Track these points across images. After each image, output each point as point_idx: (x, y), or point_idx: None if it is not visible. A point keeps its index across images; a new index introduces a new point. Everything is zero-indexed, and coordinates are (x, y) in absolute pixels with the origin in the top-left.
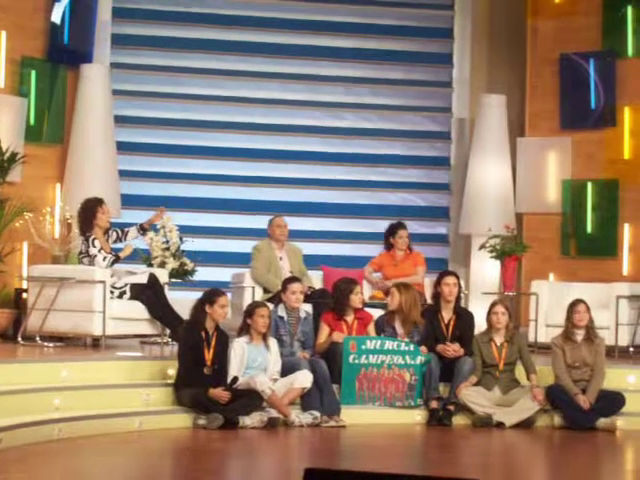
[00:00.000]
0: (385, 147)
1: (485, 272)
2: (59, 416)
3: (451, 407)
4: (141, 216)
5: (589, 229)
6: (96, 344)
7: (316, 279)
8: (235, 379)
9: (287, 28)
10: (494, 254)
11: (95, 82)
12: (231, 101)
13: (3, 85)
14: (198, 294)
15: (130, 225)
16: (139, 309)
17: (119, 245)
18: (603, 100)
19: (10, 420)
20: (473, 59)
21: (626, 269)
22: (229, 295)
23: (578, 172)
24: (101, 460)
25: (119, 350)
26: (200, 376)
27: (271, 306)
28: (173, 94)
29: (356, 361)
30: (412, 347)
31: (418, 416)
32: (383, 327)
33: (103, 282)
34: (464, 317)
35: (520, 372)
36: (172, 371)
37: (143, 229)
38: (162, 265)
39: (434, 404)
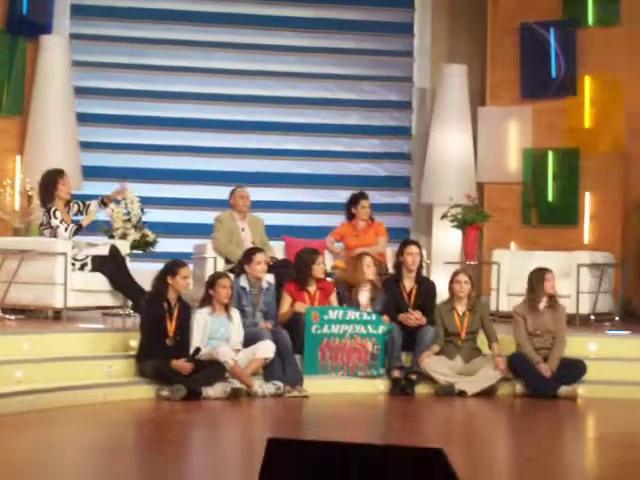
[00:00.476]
0: (346, 117)
1: (447, 241)
2: (21, 389)
3: (413, 376)
4: (102, 188)
5: (550, 198)
6: (58, 316)
7: (278, 250)
8: (197, 350)
9: None
10: (455, 223)
11: (55, 53)
12: (191, 72)
13: None
14: (160, 265)
15: (91, 197)
16: (101, 281)
17: (80, 218)
18: (564, 69)
19: None
20: (434, 29)
21: (587, 238)
22: (191, 266)
23: (539, 141)
24: (64, 432)
25: (81, 322)
26: (162, 347)
27: (233, 277)
28: (133, 65)
29: (318, 331)
30: (374, 317)
31: (381, 385)
32: (345, 297)
33: (64, 254)
34: (426, 286)
35: (482, 341)
36: (134, 343)
37: (104, 203)
38: (123, 237)
39: (396, 373)
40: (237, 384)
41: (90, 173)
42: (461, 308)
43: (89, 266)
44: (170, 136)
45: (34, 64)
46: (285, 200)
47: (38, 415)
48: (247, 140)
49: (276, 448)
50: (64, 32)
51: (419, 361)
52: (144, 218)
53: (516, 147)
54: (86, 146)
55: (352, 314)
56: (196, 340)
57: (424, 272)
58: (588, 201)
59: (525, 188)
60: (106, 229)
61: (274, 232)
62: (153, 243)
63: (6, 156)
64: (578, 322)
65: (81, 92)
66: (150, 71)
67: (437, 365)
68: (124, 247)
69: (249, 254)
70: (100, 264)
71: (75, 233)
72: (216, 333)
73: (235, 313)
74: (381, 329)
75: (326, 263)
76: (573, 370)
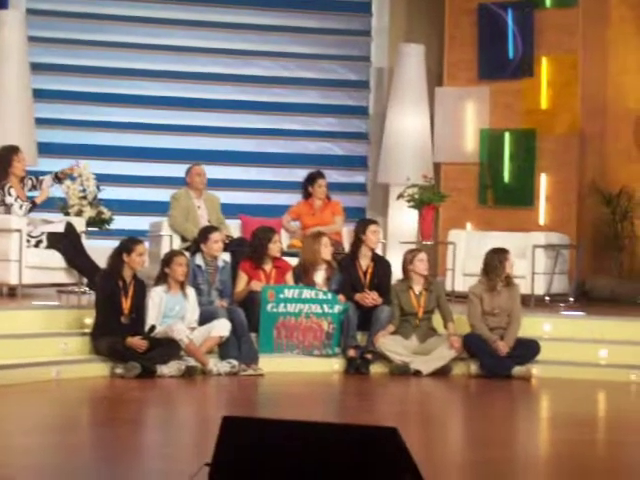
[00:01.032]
0: (303, 96)
1: (402, 221)
2: None
3: (369, 356)
4: (58, 164)
5: (506, 179)
6: (12, 293)
7: (234, 228)
8: (153, 328)
9: None
10: (412, 203)
11: (11, 28)
12: (147, 49)
13: None
14: (115, 243)
15: (46, 174)
16: (56, 258)
17: (34, 193)
18: (521, 50)
19: None
20: (392, 8)
21: (542, 219)
22: (147, 244)
23: (496, 122)
24: (18, 409)
25: (36, 299)
26: (117, 325)
27: (189, 255)
28: (90, 41)
29: (274, 310)
30: (330, 296)
31: (336, 365)
32: (301, 276)
33: (19, 231)
34: (382, 265)
35: (437, 321)
36: (89, 320)
37: (58, 178)
38: (79, 214)
39: (352, 353)
40: (192, 362)
41: (45, 149)
42: (417, 288)
43: (44, 243)
44: (126, 113)
45: None
46: (242, 178)
47: None
48: (204, 118)
49: (231, 426)
50: (20, 7)
51: (374, 340)
52: (100, 195)
53: (473, 128)
54: (42, 122)
55: (308, 293)
56: (151, 318)
57: (380, 251)
58: (544, 182)
59: (481, 169)
60: (61, 206)
61: (230, 210)
62: (109, 220)
63: None
64: (533, 303)
65: (37, 68)
66: (107, 48)
67: (392, 344)
68: (79, 224)
69: (205, 232)
70: (55, 241)
71: (30, 211)
72: (171, 311)
73: (190, 291)
74: (337, 308)
75: (282, 242)
76: (527, 350)
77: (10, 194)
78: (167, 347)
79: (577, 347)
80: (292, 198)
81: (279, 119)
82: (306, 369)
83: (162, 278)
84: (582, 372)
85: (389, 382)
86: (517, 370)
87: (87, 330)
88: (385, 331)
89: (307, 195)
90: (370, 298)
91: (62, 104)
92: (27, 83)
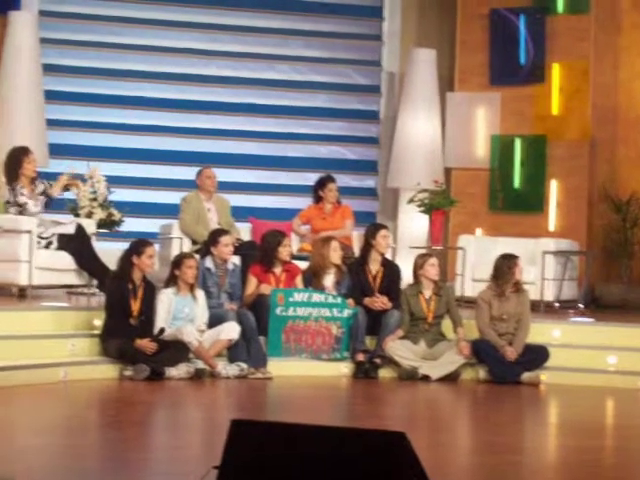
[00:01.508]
0: (315, 100)
1: (412, 226)
2: None
3: (377, 360)
4: (68, 166)
5: (516, 184)
6: (22, 294)
7: (244, 231)
8: (162, 330)
9: None
10: (422, 208)
11: (23, 30)
12: (161, 51)
13: None
14: (125, 245)
15: (57, 175)
16: (66, 259)
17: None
18: (532, 56)
19: None
20: (404, 13)
21: (552, 225)
22: (157, 246)
23: (506, 128)
24: (26, 410)
25: (45, 300)
26: (127, 327)
27: (198, 258)
28: (102, 43)
29: (283, 313)
30: (339, 300)
31: (345, 369)
32: (310, 280)
33: (30, 232)
34: (391, 270)
35: (446, 326)
36: (98, 322)
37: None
38: (89, 215)
39: (360, 357)
40: (201, 365)
41: (56, 151)
42: (427, 292)
43: (54, 244)
44: (138, 115)
45: (2, 40)
46: (252, 182)
47: (0, 392)
48: (215, 121)
49: (239, 429)
50: (33, 9)
51: (383, 345)
52: (110, 197)
53: (484, 133)
54: (53, 124)
55: (317, 297)
56: (160, 320)
57: (389, 256)
58: (554, 188)
59: (492, 174)
60: (72, 207)
61: (241, 213)
62: (119, 222)
63: None
64: (542, 309)
65: (49, 69)
66: (119, 50)
67: (401, 349)
68: (90, 226)
69: (215, 236)
70: (66, 242)
71: (47, 206)
72: (180, 313)
73: (200, 294)
74: (346, 312)
75: (292, 245)
76: (536, 356)
77: (22, 193)
78: (176, 349)
79: (586, 353)
80: (302, 202)
81: (290, 123)
82: (315, 373)
83: (172, 280)
84: (591, 379)
85: (397, 387)
86: (526, 376)
87: (96, 332)
88: (394, 336)
89: (317, 199)
90: (379, 302)
91: (73, 105)
92: (39, 84)
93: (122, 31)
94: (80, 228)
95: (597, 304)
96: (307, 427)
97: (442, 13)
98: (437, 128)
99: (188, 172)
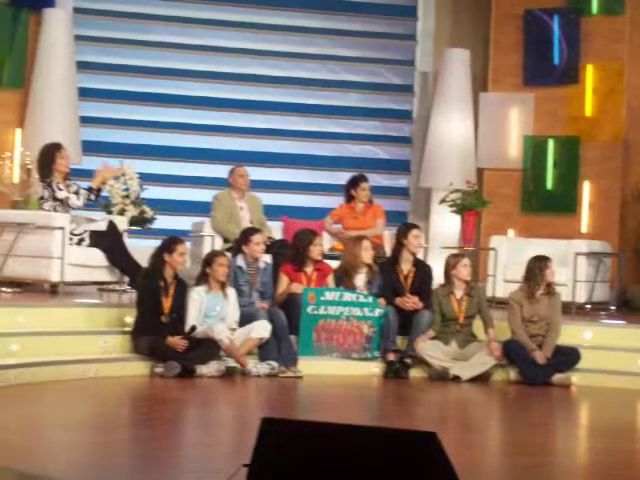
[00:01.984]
0: (348, 99)
1: (444, 226)
2: (16, 362)
3: (408, 360)
4: (102, 162)
5: (549, 186)
6: (54, 290)
7: (276, 230)
8: (193, 328)
9: None
10: (454, 208)
11: (57, 27)
12: (194, 49)
13: None
14: (157, 242)
15: (90, 172)
16: (98, 256)
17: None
18: (566, 57)
19: None
20: (438, 12)
21: (585, 226)
22: (188, 244)
23: (540, 128)
24: (57, 406)
25: (77, 297)
26: (158, 324)
27: (230, 256)
28: (136, 41)
29: (314, 312)
30: (371, 299)
31: (375, 368)
32: (342, 279)
33: (62, 228)
34: (423, 270)
35: (477, 327)
36: (130, 319)
37: (93, 190)
38: (122, 213)
39: (391, 357)
40: (231, 363)
41: (90, 148)
42: (459, 293)
43: (87, 241)
44: (171, 113)
45: (37, 37)
46: (285, 180)
47: (31, 389)
48: (248, 119)
49: (269, 427)
50: (67, 6)
51: (414, 345)
52: (143, 194)
53: (517, 134)
54: (86, 121)
55: (349, 296)
56: (192, 318)
57: (421, 256)
58: (587, 190)
59: (525, 175)
60: (104, 204)
61: (273, 212)
62: (151, 220)
63: (6, 129)
64: (574, 311)
65: (83, 67)
66: (153, 47)
67: (432, 349)
68: (122, 223)
69: (247, 234)
70: (98, 239)
71: (89, 198)
72: (212, 311)
73: (231, 292)
74: (377, 312)
75: (324, 244)
76: (567, 358)
77: (60, 188)
78: (207, 347)
79: (617, 356)
80: (335, 201)
81: (323, 121)
82: (345, 372)
83: (203, 278)
84: (622, 381)
85: (428, 387)
86: (557, 378)
87: (127, 329)
88: (425, 336)
89: (349, 198)
90: (411, 302)
91: (107, 103)
92: (73, 81)
93: (156, 29)
94: (112, 225)
95: (629, 306)
96: (337, 426)
97: (476, 13)
98: (470, 128)
99: (221, 170)
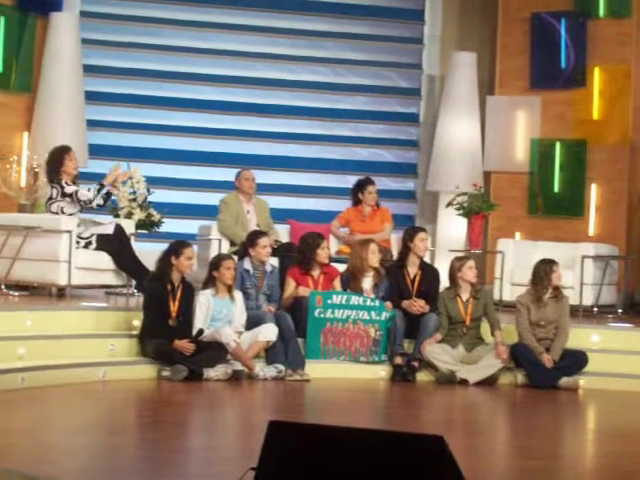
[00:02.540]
0: (355, 102)
1: (451, 229)
2: (23, 365)
3: (415, 363)
4: (108, 166)
5: (556, 189)
6: (61, 294)
7: (282, 233)
8: (200, 331)
9: None
10: (461, 212)
11: (64, 30)
12: (200, 53)
13: None
14: (164, 246)
15: (96, 176)
16: (105, 259)
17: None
18: (573, 60)
19: None
20: (445, 16)
21: (592, 229)
22: (195, 247)
23: (547, 132)
24: (65, 409)
25: (84, 300)
26: (165, 328)
27: (236, 259)
28: (142, 44)
29: (321, 315)
30: (377, 303)
31: (382, 371)
32: (348, 282)
33: (69, 232)
34: (430, 273)
35: (484, 330)
36: (137, 322)
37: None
38: (129, 216)
39: (398, 360)
40: (238, 366)
41: (96, 151)
42: (465, 295)
43: (94, 244)
44: (178, 117)
45: (44, 41)
46: (291, 184)
47: (38, 392)
48: (255, 123)
49: (277, 431)
50: (74, 9)
51: (421, 348)
52: (150, 198)
53: (524, 137)
54: (93, 124)
55: (356, 299)
56: (199, 321)
57: (428, 259)
58: (594, 193)
59: (531, 178)
60: (112, 208)
61: (280, 215)
62: (158, 223)
63: (13, 133)
64: (581, 314)
65: (90, 70)
66: (159, 51)
67: (439, 353)
68: (129, 226)
69: (254, 237)
70: (105, 243)
71: (99, 193)
72: (219, 314)
73: (238, 295)
74: (384, 315)
75: (331, 248)
76: (575, 361)
77: (68, 184)
78: (214, 351)
79: (625, 359)
80: (342, 204)
81: (330, 125)
82: (352, 375)
83: (210, 282)
84: (629, 384)
85: (435, 390)
86: (564, 381)
87: (135, 332)
88: (432, 339)
89: (356, 201)
90: (417, 306)
91: (114, 106)
92: (79, 85)
93: (162, 32)
94: (119, 228)
95: (636, 309)
96: (344, 429)
97: (483, 17)
98: (477, 131)
99: (227, 174)
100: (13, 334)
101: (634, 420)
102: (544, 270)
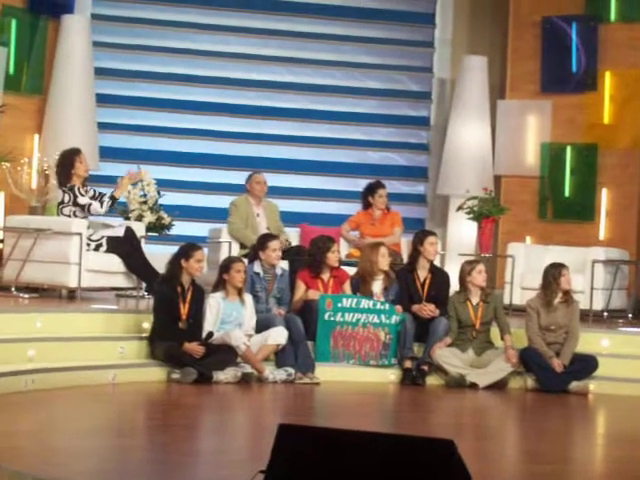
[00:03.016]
0: (366, 105)
1: (461, 233)
2: (33, 367)
3: (425, 367)
4: (119, 169)
5: (567, 193)
6: (72, 296)
7: (293, 236)
8: (210, 334)
9: None
10: (471, 215)
11: (76, 33)
12: (212, 56)
13: None
14: (175, 248)
15: (108, 178)
16: (115, 262)
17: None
18: (584, 64)
19: None
20: (456, 20)
21: (602, 234)
22: (205, 250)
23: (557, 136)
24: (74, 412)
25: (94, 302)
26: (175, 330)
27: (246, 262)
28: (154, 47)
29: (331, 318)
30: (387, 306)
31: (392, 375)
32: (358, 286)
33: (80, 234)
34: (440, 277)
35: (494, 334)
36: (147, 325)
37: (114, 198)
38: (139, 218)
39: (408, 364)
40: (248, 369)
41: (107, 154)
42: (475, 299)
43: (104, 247)
44: (189, 120)
45: (55, 44)
46: (302, 187)
47: (48, 394)
48: (266, 126)
49: (286, 434)
50: (86, 12)
51: (431, 352)
52: (160, 201)
53: (534, 141)
54: (104, 127)
55: (366, 303)
56: (209, 324)
57: (438, 263)
58: (605, 197)
59: (542, 182)
60: (122, 210)
61: (290, 219)
62: (169, 226)
63: (24, 135)
64: (591, 318)
65: (101, 73)
66: (170, 54)
67: (449, 356)
68: (139, 229)
69: (264, 240)
70: (115, 245)
71: (111, 206)
72: (229, 317)
73: (248, 298)
74: (394, 319)
75: (341, 251)
76: (585, 366)
77: (82, 194)
78: (224, 353)
79: (635, 363)
80: (352, 207)
81: (341, 128)
82: (362, 379)
83: (220, 284)
84: (639, 389)
85: (445, 394)
86: (574, 385)
87: (145, 335)
88: (442, 343)
89: (367, 205)
90: (427, 310)
91: (125, 109)
92: (90, 88)
93: (174, 35)
94: (130, 231)
95: None
96: (354, 433)
97: (494, 21)
98: (487, 135)
99: (238, 176)
100: (23, 336)
101: None
102: (552, 274)
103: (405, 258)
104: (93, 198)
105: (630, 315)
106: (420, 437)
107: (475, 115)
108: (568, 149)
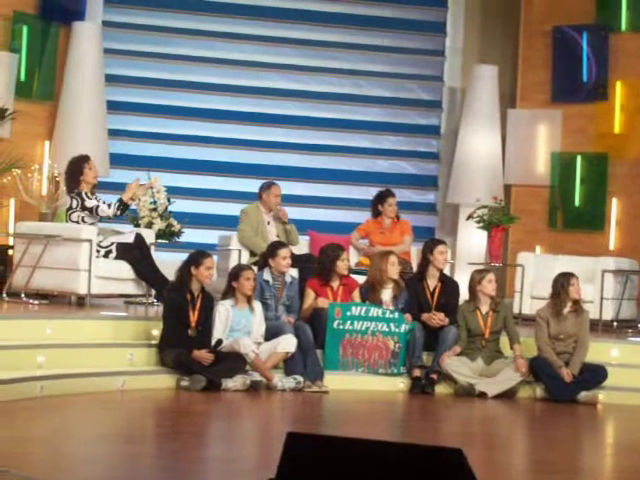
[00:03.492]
0: (376, 114)
1: (471, 242)
2: (42, 373)
3: (434, 376)
4: (129, 176)
5: (577, 202)
6: (81, 303)
7: (303, 244)
8: (219, 341)
9: None
10: (481, 224)
11: (87, 40)
12: (222, 63)
13: None
14: (184, 255)
15: (118, 185)
16: (125, 269)
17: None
18: (595, 74)
19: None
20: (466, 29)
21: (613, 243)
22: (215, 257)
23: (568, 145)
24: (83, 418)
25: (104, 309)
26: (184, 337)
27: (256, 270)
28: (165, 54)
29: (340, 327)
30: (397, 315)
31: (401, 384)
32: (368, 294)
33: (89, 241)
34: (449, 286)
35: (503, 343)
36: (156, 332)
37: (125, 204)
38: (149, 225)
39: (417, 372)
40: (257, 377)
41: (118, 161)
42: (484, 308)
43: (114, 253)
44: (199, 127)
45: (66, 50)
46: (312, 195)
47: (57, 400)
48: (276, 134)
49: (295, 442)
50: (97, 19)
51: (440, 361)
52: (170, 208)
53: (545, 150)
54: (115, 134)
55: (375, 311)
56: (218, 331)
57: (448, 272)
58: (615, 207)
59: (552, 192)
60: (132, 217)
61: (300, 227)
62: (178, 233)
63: (35, 141)
64: (601, 328)
65: (112, 80)
66: (181, 61)
67: (458, 365)
68: (149, 236)
69: (274, 248)
70: (125, 252)
71: (119, 209)
72: (238, 325)
73: (257, 306)
74: (403, 327)
75: (350, 259)
76: (594, 375)
77: (89, 197)
78: (233, 361)
79: None
80: (362, 216)
81: (350, 136)
82: (371, 387)
83: (229, 292)
84: None
85: (454, 403)
86: (583, 395)
87: (154, 342)
88: (451, 352)
89: (376, 213)
90: (437, 319)
91: (135, 116)
92: (101, 94)
93: (185, 43)
94: (139, 238)
95: None
96: (363, 442)
97: (505, 30)
98: (498, 144)
99: (248, 184)
100: (33, 342)
101: None
102: (562, 283)
103: (415, 267)
104: (103, 203)
105: None
106: (429, 446)
107: (485, 124)
108: (578, 158)
